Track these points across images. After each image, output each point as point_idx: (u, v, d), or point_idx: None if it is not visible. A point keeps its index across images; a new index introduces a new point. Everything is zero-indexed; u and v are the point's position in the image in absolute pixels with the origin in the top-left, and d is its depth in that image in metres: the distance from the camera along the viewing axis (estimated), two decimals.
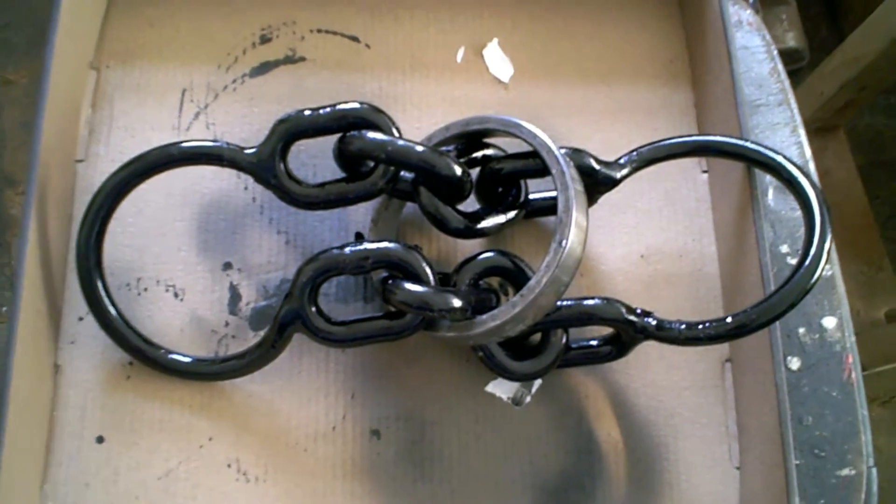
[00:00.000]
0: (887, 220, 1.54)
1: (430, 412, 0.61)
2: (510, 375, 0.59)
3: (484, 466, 0.60)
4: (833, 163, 1.48)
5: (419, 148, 0.55)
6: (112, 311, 0.57)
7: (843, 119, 1.46)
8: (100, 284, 0.57)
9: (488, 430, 0.61)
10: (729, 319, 0.54)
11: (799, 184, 0.57)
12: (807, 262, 0.53)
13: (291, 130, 0.56)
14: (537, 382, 0.62)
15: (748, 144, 0.59)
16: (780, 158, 0.58)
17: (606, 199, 0.62)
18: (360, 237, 0.63)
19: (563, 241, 0.52)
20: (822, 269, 0.53)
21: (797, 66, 1.57)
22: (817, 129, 1.47)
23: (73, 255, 0.58)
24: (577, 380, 0.62)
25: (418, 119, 0.67)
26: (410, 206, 0.64)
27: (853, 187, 1.46)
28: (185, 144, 0.56)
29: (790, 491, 0.54)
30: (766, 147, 0.59)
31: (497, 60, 0.69)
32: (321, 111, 0.56)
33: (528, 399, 0.61)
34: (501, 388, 0.61)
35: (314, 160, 0.64)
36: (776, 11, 1.58)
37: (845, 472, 0.61)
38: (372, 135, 0.55)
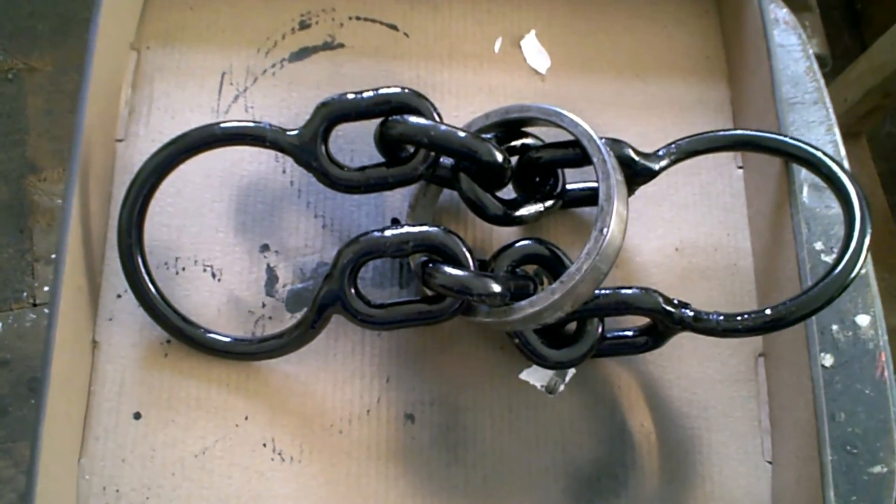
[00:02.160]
0: None
1: (464, 398, 0.61)
2: (545, 363, 0.59)
3: (517, 453, 0.60)
4: (855, 169, 1.47)
5: (461, 133, 0.56)
6: (151, 289, 0.57)
7: (866, 126, 1.46)
8: (140, 263, 0.57)
9: (521, 417, 0.61)
10: (767, 311, 0.54)
11: (840, 180, 0.57)
12: (846, 256, 0.53)
13: (334, 114, 0.56)
14: (571, 371, 0.62)
15: (789, 140, 0.59)
16: (820, 154, 0.58)
17: (642, 191, 0.62)
18: (396, 222, 0.63)
19: (605, 230, 0.52)
20: (862, 266, 0.53)
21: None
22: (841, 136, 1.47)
23: (113, 234, 0.58)
24: (611, 370, 0.62)
25: (456, 108, 0.67)
26: (446, 194, 0.64)
27: (874, 194, 1.46)
28: (228, 124, 0.56)
29: (825, 485, 0.54)
30: (806, 143, 0.59)
31: (534, 52, 0.70)
32: (364, 95, 0.56)
33: (562, 388, 0.61)
34: (535, 376, 0.61)
35: (351, 145, 0.65)
36: (799, 18, 1.56)
37: (877, 469, 0.61)
38: (414, 119, 0.55)
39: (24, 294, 1.47)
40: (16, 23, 1.65)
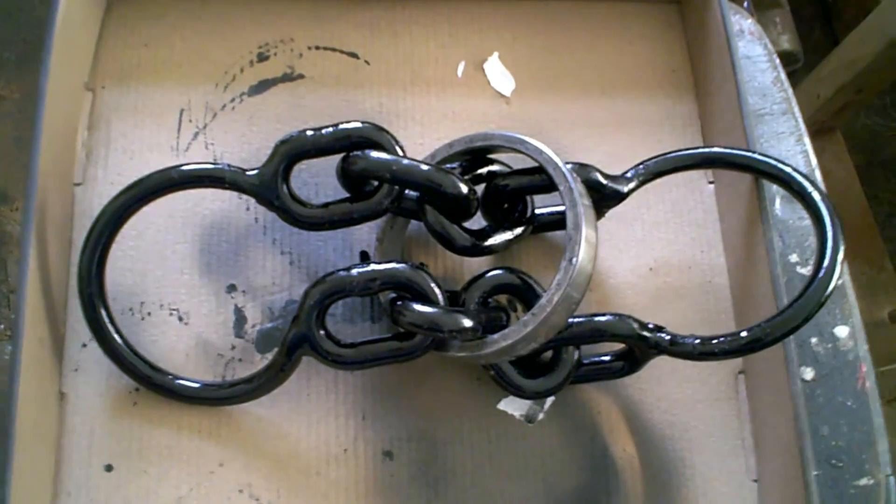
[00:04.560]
0: (886, 219, 1.54)
1: (443, 432, 0.60)
2: (522, 393, 0.58)
3: (498, 485, 0.59)
4: (831, 164, 1.48)
5: (424, 167, 0.54)
6: (116, 337, 0.56)
7: (840, 121, 1.47)
8: (103, 311, 0.55)
9: (501, 448, 0.60)
10: (744, 333, 0.53)
11: (809, 195, 0.56)
12: (821, 273, 0.53)
13: (293, 151, 0.55)
14: (550, 399, 0.61)
15: (756, 156, 0.59)
16: (788, 170, 0.57)
17: (613, 212, 0.61)
18: (365, 256, 0.62)
19: (574, 259, 0.51)
20: (837, 281, 0.53)
21: (792, 69, 1.57)
22: (815, 132, 1.47)
23: (74, 281, 0.57)
24: (590, 395, 0.62)
25: (420, 135, 0.66)
26: (415, 224, 0.63)
27: (852, 188, 1.46)
28: (185, 167, 0.55)
29: (809, 503, 0.54)
30: (774, 158, 0.58)
31: (498, 74, 0.69)
32: (323, 131, 0.55)
33: (541, 416, 0.61)
34: (514, 406, 0.61)
35: (315, 179, 0.64)
36: (769, 15, 1.58)
37: (863, 481, 0.61)
38: (376, 154, 0.54)
39: (2, 326, 1.45)
40: None
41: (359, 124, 0.55)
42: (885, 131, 1.65)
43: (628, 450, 0.61)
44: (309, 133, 0.55)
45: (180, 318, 0.60)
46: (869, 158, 1.60)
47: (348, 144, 0.55)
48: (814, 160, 0.69)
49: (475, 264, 0.63)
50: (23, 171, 1.54)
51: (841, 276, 0.58)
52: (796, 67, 1.57)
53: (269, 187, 0.55)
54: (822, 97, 1.35)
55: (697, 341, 0.54)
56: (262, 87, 0.66)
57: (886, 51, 1.19)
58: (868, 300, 1.40)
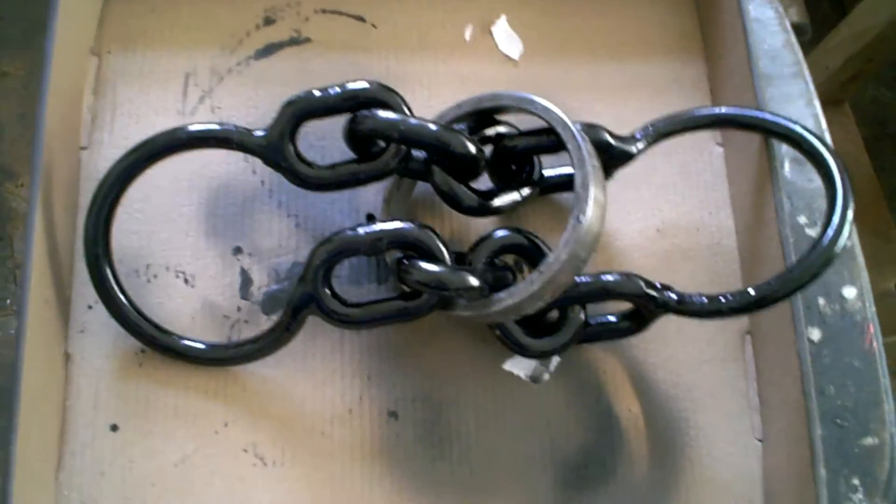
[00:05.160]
0: (894, 191, 1.53)
1: (448, 392, 0.60)
2: (528, 353, 0.58)
3: (503, 445, 0.59)
4: (839, 136, 1.47)
5: (432, 126, 0.54)
6: (122, 298, 0.56)
7: (848, 93, 1.45)
8: (109, 272, 0.56)
9: (506, 408, 0.60)
10: (751, 291, 0.53)
11: (820, 154, 0.56)
12: (829, 231, 0.53)
13: (300, 111, 0.55)
14: (555, 359, 0.61)
15: (767, 116, 0.58)
16: (800, 129, 0.57)
17: (621, 173, 0.61)
18: (371, 218, 0.62)
19: (582, 217, 0.51)
20: (845, 240, 0.52)
21: (800, 42, 1.55)
22: (823, 103, 1.46)
23: (80, 244, 0.57)
24: (596, 356, 0.62)
25: (427, 99, 0.66)
26: (422, 186, 0.62)
27: (860, 160, 1.45)
28: (192, 128, 0.55)
29: (815, 462, 0.54)
30: (785, 118, 0.58)
31: (506, 38, 0.68)
32: (330, 91, 0.55)
33: (547, 376, 0.61)
34: (519, 366, 0.61)
35: (322, 142, 0.63)
36: None
37: (868, 441, 0.61)
38: (384, 114, 0.54)
39: (8, 301, 1.46)
40: None
41: (366, 84, 0.55)
42: (894, 104, 1.64)
43: (633, 410, 0.61)
44: (316, 93, 0.55)
45: (186, 281, 0.60)
46: (877, 131, 1.59)
47: (355, 104, 0.55)
48: (823, 123, 0.68)
49: (482, 226, 0.62)
50: (27, 148, 1.54)
51: (850, 235, 0.58)
52: (804, 40, 1.56)
53: (275, 148, 0.55)
54: (831, 68, 1.34)
55: (705, 300, 0.54)
56: (268, 50, 0.66)
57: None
58: (875, 271, 1.38)
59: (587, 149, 0.53)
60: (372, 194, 0.63)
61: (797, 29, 1.55)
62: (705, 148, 0.67)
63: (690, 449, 0.60)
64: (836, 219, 0.53)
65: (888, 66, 1.61)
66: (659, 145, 0.60)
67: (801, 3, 1.55)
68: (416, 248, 0.54)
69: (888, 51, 1.28)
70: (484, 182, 0.60)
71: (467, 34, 0.68)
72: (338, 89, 0.55)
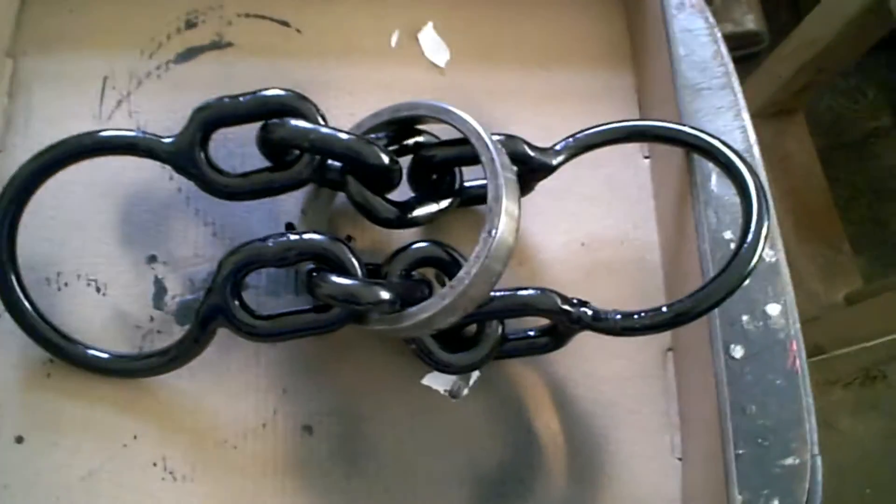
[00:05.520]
0: (847, 202, 1.54)
1: (364, 407, 0.59)
2: (445, 368, 0.57)
3: (420, 460, 0.58)
4: (793, 146, 1.47)
5: (344, 136, 0.53)
6: (27, 306, 0.54)
7: (801, 102, 1.46)
8: (13, 279, 0.54)
9: (424, 423, 0.59)
10: (665, 309, 0.52)
11: (735, 167, 0.55)
12: (744, 247, 0.52)
13: (211, 118, 0.53)
14: (475, 374, 0.60)
15: (684, 129, 0.58)
16: (715, 142, 0.57)
17: (546, 185, 0.60)
18: (290, 227, 0.61)
19: (493, 231, 0.50)
20: (760, 255, 0.52)
21: (756, 49, 1.56)
22: (777, 112, 1.47)
23: None
24: (516, 371, 0.61)
25: (351, 105, 0.64)
26: (343, 196, 0.61)
27: (813, 170, 1.46)
28: (99, 134, 0.54)
29: (729, 482, 0.54)
30: (702, 131, 0.58)
31: (433, 45, 0.68)
32: (241, 98, 0.54)
33: (466, 391, 0.60)
34: (438, 381, 0.60)
35: (242, 149, 0.62)
36: None
37: (789, 461, 0.60)
38: (294, 122, 0.53)
39: None
40: None
41: (279, 91, 0.54)
42: (849, 114, 1.65)
43: (553, 426, 0.60)
44: (226, 100, 0.54)
45: (98, 289, 0.59)
46: (832, 141, 1.60)
47: (267, 112, 0.54)
48: (752, 136, 0.68)
49: (404, 239, 0.61)
50: None
51: (771, 249, 0.58)
52: (761, 48, 1.56)
53: (185, 155, 0.54)
54: (784, 77, 1.35)
55: (619, 316, 0.53)
56: (189, 54, 0.65)
57: (846, 29, 1.19)
58: (826, 283, 1.40)
59: (501, 161, 0.53)
60: (292, 203, 0.62)
61: (755, 37, 1.57)
62: (632, 160, 0.67)
63: (610, 466, 0.60)
64: (750, 235, 0.52)
65: (842, 76, 1.62)
66: (585, 157, 0.60)
67: (759, 10, 1.56)
68: (326, 261, 0.53)
69: (839, 60, 1.29)
70: (404, 193, 0.59)
71: (393, 41, 0.67)
72: (249, 97, 0.54)
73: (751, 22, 1.53)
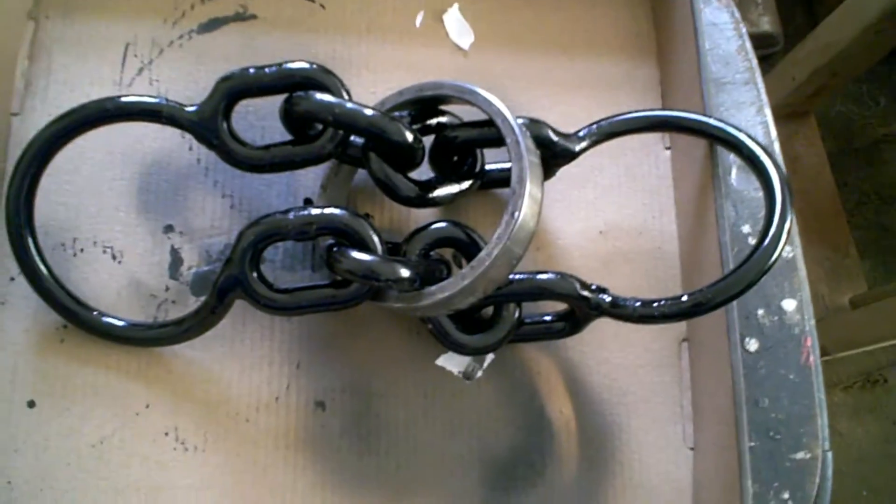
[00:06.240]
0: (855, 206, 1.54)
1: (378, 384, 0.59)
2: (460, 349, 0.57)
3: (431, 441, 0.58)
4: (803, 148, 1.47)
5: (368, 112, 0.53)
6: (43, 270, 0.54)
7: (814, 105, 1.46)
8: (30, 243, 0.54)
9: (437, 404, 0.59)
10: (685, 298, 0.52)
11: (760, 162, 0.55)
12: (766, 241, 0.52)
13: (235, 89, 0.53)
14: (489, 357, 0.60)
15: (710, 121, 0.58)
16: (741, 136, 0.56)
17: (566, 172, 0.60)
18: (309, 203, 0.61)
19: (516, 213, 0.50)
20: (781, 250, 0.52)
21: (771, 51, 1.56)
22: (788, 115, 1.46)
23: (2, 213, 0.55)
24: (531, 355, 0.61)
25: (373, 84, 0.64)
26: (363, 173, 0.61)
27: (822, 173, 1.46)
28: (122, 99, 0.53)
29: (742, 473, 0.54)
30: (728, 124, 0.57)
31: (457, 26, 0.67)
32: (266, 70, 0.53)
33: (480, 374, 0.60)
34: (452, 362, 0.60)
35: (262, 122, 0.62)
36: None
37: (800, 455, 0.60)
38: (319, 96, 0.53)
39: None
40: None
41: (304, 64, 0.54)
42: (860, 119, 1.65)
43: (565, 412, 0.60)
44: (251, 70, 0.53)
45: (114, 257, 0.58)
46: (842, 145, 1.60)
47: (292, 84, 0.54)
48: (773, 132, 0.68)
49: (422, 217, 0.61)
50: None
51: (790, 245, 0.57)
52: (775, 50, 1.56)
53: (208, 125, 0.53)
54: (797, 79, 1.34)
55: (638, 304, 0.53)
56: (212, 25, 0.64)
57: (862, 35, 1.18)
58: (831, 286, 1.40)
59: (526, 144, 0.52)
60: (311, 178, 0.62)
61: (770, 39, 1.56)
62: (652, 151, 0.67)
63: (621, 453, 0.60)
64: (773, 229, 0.52)
65: (854, 81, 1.62)
66: (606, 146, 0.60)
67: (774, 12, 1.56)
68: (347, 236, 0.52)
69: (853, 65, 1.29)
70: (427, 172, 0.59)
71: (418, 21, 0.67)
72: (274, 68, 0.53)
73: (766, 24, 1.53)
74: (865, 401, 1.43)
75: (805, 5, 1.72)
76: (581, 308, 0.55)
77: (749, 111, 0.68)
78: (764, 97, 0.69)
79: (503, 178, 0.62)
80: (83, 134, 0.54)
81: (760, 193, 0.67)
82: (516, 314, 0.56)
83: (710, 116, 0.59)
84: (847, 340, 1.29)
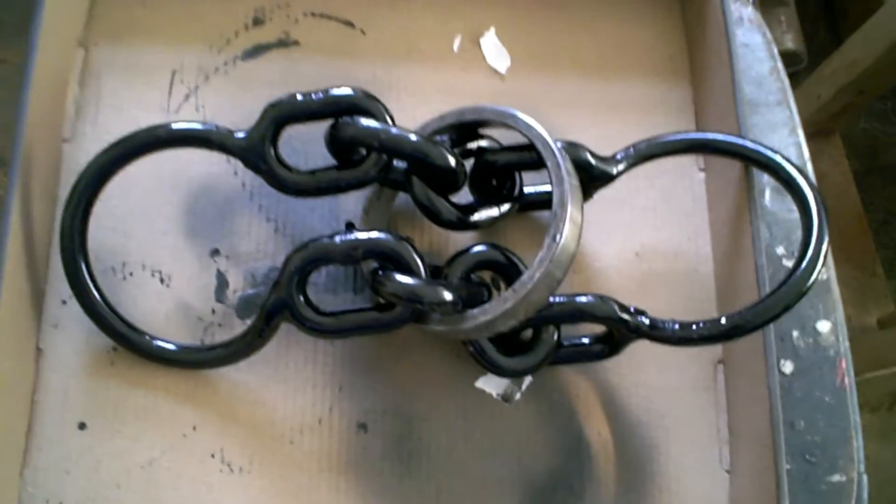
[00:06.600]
0: (881, 225, 1.53)
1: (419, 407, 0.60)
2: (500, 371, 0.57)
3: (471, 464, 0.59)
4: (828, 167, 1.47)
5: (413, 136, 0.54)
6: (95, 294, 0.55)
7: (839, 123, 1.46)
8: (83, 267, 0.55)
9: (477, 426, 0.60)
10: (723, 320, 0.53)
11: (797, 184, 0.56)
12: (803, 264, 0.52)
13: (282, 115, 0.54)
14: (528, 379, 0.61)
15: (747, 143, 0.59)
16: (778, 158, 0.57)
17: (601, 195, 0.61)
18: (350, 226, 0.62)
19: (558, 237, 0.51)
20: (819, 273, 0.52)
21: (795, 69, 1.56)
22: (813, 133, 1.46)
23: (57, 237, 0.57)
24: (569, 378, 0.61)
25: (413, 108, 0.65)
26: (403, 197, 0.62)
27: (848, 192, 1.46)
28: (173, 126, 0.55)
29: (780, 496, 0.54)
30: (764, 146, 0.58)
31: (494, 50, 0.68)
32: (313, 96, 0.54)
33: (518, 396, 0.60)
34: (491, 385, 0.60)
35: (306, 146, 0.63)
36: (775, 13, 1.57)
37: (836, 478, 0.61)
38: (365, 122, 0.54)
39: None
40: None
41: (349, 90, 0.55)
42: (885, 137, 1.65)
43: (603, 434, 0.60)
44: (299, 97, 0.55)
45: (162, 280, 0.60)
46: (867, 164, 1.60)
47: (338, 110, 0.55)
48: (806, 153, 0.68)
49: (461, 240, 0.62)
50: None
51: (824, 267, 0.58)
52: (799, 68, 1.56)
53: (256, 150, 0.55)
54: (823, 98, 1.35)
55: (677, 326, 0.54)
56: (256, 51, 0.66)
57: (889, 52, 1.18)
58: (858, 306, 1.40)
59: (566, 167, 0.53)
60: (353, 202, 0.63)
61: (794, 57, 1.57)
62: (687, 173, 0.67)
63: (659, 476, 0.60)
64: (810, 252, 0.53)
65: (880, 99, 1.62)
66: (641, 168, 0.60)
67: (798, 30, 1.56)
68: (391, 260, 0.53)
69: (880, 82, 1.29)
70: (465, 196, 0.60)
71: (456, 45, 0.68)
72: (321, 94, 0.54)
73: (790, 41, 1.54)
74: (893, 423, 1.42)
75: (828, 22, 1.72)
76: (620, 330, 0.56)
77: (782, 132, 0.69)
78: (796, 118, 0.70)
79: (541, 201, 0.63)
80: (136, 160, 0.55)
81: (794, 215, 0.68)
82: (555, 336, 0.57)
83: (745, 138, 0.59)
84: (875, 361, 1.29)
